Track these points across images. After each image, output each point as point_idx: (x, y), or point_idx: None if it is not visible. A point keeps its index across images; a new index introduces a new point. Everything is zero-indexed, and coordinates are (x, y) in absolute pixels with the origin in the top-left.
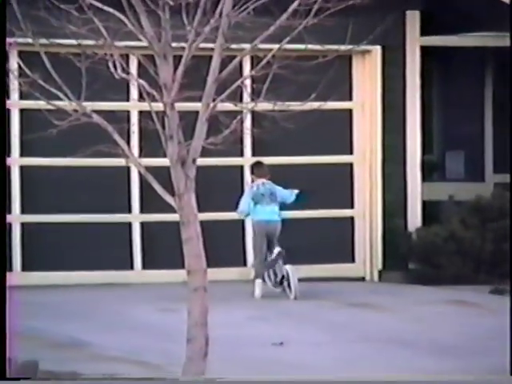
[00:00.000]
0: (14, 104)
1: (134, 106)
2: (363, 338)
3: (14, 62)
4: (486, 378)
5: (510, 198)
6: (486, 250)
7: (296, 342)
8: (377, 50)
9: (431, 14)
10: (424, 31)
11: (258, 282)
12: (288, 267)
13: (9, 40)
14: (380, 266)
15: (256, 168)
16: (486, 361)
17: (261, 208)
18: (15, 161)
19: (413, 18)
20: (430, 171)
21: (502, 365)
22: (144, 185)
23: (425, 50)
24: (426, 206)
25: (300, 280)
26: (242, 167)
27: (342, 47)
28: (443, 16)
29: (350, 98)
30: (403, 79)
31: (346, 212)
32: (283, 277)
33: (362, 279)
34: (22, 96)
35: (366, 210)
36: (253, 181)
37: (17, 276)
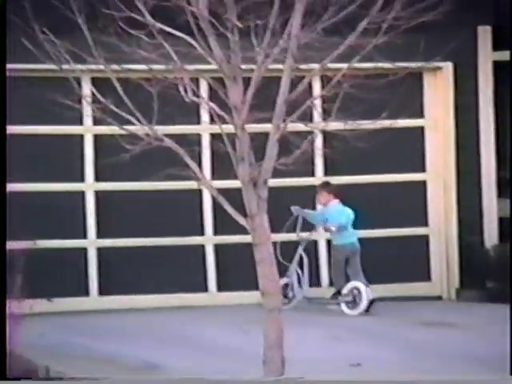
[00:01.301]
0: (88, 130)
1: (204, 129)
2: (439, 357)
3: (86, 89)
4: (486, 378)
5: (510, 202)
6: None
7: (373, 361)
8: (448, 66)
9: (503, 29)
10: (496, 46)
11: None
12: (359, 283)
13: (81, 67)
14: (457, 284)
15: (329, 188)
16: None
17: (346, 230)
18: (90, 186)
19: (484, 34)
20: (505, 187)
21: None
22: (216, 207)
23: (497, 66)
24: (502, 222)
25: (376, 299)
26: (313, 187)
27: (413, 64)
28: None
29: (422, 116)
30: (476, 95)
31: (420, 230)
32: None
33: (439, 298)
34: (95, 122)
35: (441, 228)
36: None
37: (94, 300)
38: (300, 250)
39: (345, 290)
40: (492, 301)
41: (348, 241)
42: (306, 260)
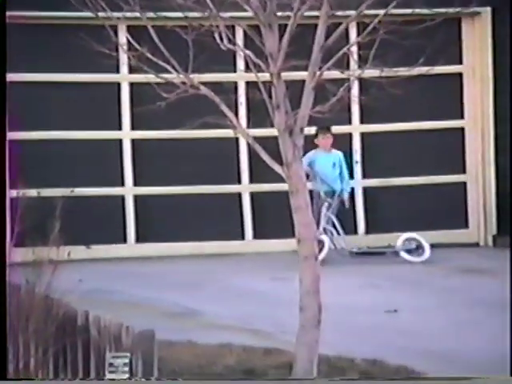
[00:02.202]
0: (124, 78)
1: (240, 77)
2: (475, 304)
3: (122, 37)
4: (486, 378)
5: (510, 195)
6: None
7: (409, 308)
8: (487, 11)
9: None
10: None
11: None
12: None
13: (117, 14)
14: (494, 231)
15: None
16: None
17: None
18: (126, 134)
19: None
20: None
21: None
22: (252, 155)
23: None
24: None
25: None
26: (350, 135)
27: (451, 10)
28: None
29: (460, 62)
30: None
31: (458, 177)
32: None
33: (477, 245)
34: (131, 70)
35: (479, 175)
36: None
37: (131, 248)
38: (325, 211)
39: (402, 240)
40: None
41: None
42: (334, 220)
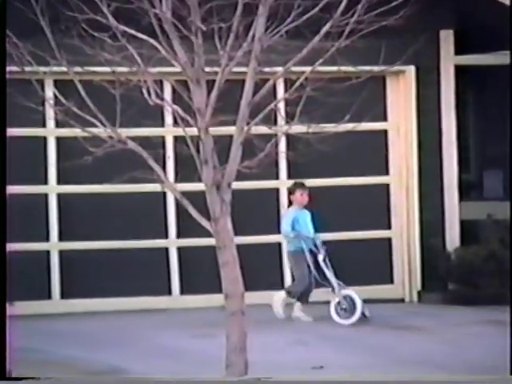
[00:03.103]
0: (50, 132)
1: (168, 132)
2: (402, 361)
3: (49, 91)
4: (486, 378)
5: (510, 206)
6: None
7: (336, 365)
8: (411, 70)
9: (465, 33)
10: (458, 50)
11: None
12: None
13: (44, 69)
14: (419, 287)
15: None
16: None
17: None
18: (52, 188)
19: (446, 38)
20: (467, 190)
21: None
22: (180, 210)
23: (459, 70)
24: (464, 225)
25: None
26: (277, 190)
27: (376, 68)
28: (477, 35)
29: (385, 119)
30: (438, 99)
31: (383, 233)
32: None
33: (402, 301)
34: (58, 124)
35: (404, 231)
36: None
37: (56, 304)
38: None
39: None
40: (453, 303)
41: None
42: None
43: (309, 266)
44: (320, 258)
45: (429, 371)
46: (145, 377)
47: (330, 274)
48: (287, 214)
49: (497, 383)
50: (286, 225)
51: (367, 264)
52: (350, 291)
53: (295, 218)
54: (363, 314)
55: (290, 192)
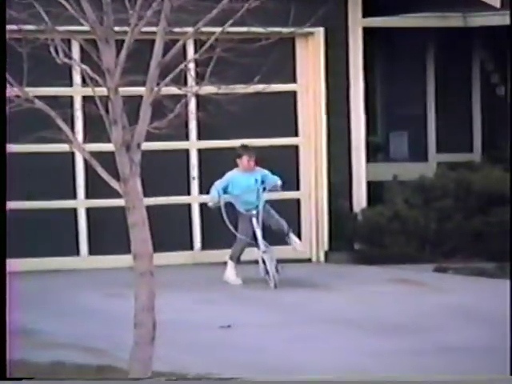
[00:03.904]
0: None
1: (77, 92)
2: (310, 319)
3: None
4: (486, 378)
5: (510, 191)
6: (430, 229)
7: (244, 324)
8: (319, 32)
9: None
10: (366, 13)
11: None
12: (265, 255)
13: None
14: (326, 247)
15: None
16: (429, 338)
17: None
18: None
19: (354, 0)
20: (374, 152)
21: (445, 342)
22: (89, 170)
23: (367, 32)
24: (370, 186)
25: (246, 262)
26: (187, 151)
27: (285, 29)
28: None
29: (295, 81)
30: (346, 61)
31: (291, 194)
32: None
33: (309, 260)
34: None
35: (312, 192)
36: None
37: None
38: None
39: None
40: (359, 262)
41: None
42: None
43: (251, 228)
44: (253, 220)
45: (340, 328)
46: (144, 377)
47: (259, 234)
48: (224, 177)
49: (497, 383)
50: (213, 188)
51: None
52: (267, 254)
53: (231, 181)
54: (276, 270)
55: (237, 155)
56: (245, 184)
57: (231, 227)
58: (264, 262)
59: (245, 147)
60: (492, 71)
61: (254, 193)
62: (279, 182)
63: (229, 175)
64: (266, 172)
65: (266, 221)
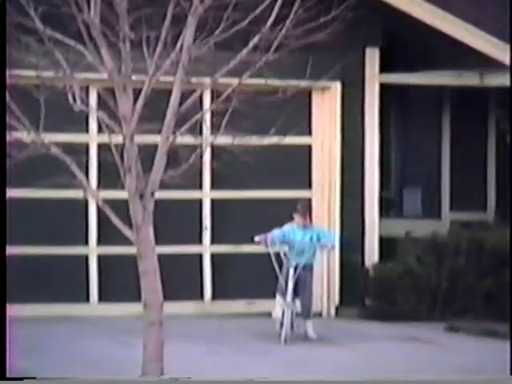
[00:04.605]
0: None
1: (92, 138)
2: (316, 375)
3: None
4: (486, 378)
5: (510, 223)
6: (441, 287)
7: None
8: (336, 86)
9: (390, 52)
10: (383, 68)
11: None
12: (287, 308)
13: None
14: (337, 302)
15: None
16: None
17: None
18: None
19: (372, 55)
20: (387, 208)
21: None
22: (102, 217)
23: (384, 88)
24: (383, 242)
25: (255, 314)
26: (200, 201)
27: (302, 83)
28: (402, 53)
29: (310, 134)
30: (362, 116)
31: None
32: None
33: (319, 315)
34: None
35: None
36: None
37: None
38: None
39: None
40: (370, 318)
41: None
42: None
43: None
44: (291, 270)
45: None
46: (145, 377)
47: (290, 285)
48: (282, 228)
49: (497, 383)
50: (273, 233)
51: None
52: (289, 308)
53: (286, 232)
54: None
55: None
56: (299, 240)
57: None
58: (283, 314)
59: (297, 209)
60: (507, 131)
61: (306, 249)
62: (330, 245)
63: (287, 227)
64: (324, 231)
65: (300, 283)
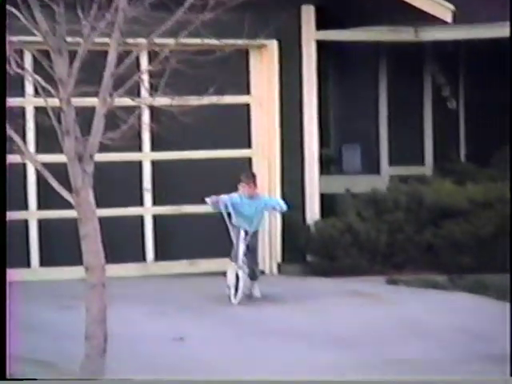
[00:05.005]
0: None
1: (29, 102)
2: (261, 333)
3: None
4: (485, 379)
5: (511, 199)
6: (381, 242)
7: (196, 337)
8: (273, 44)
9: (326, 9)
10: (319, 26)
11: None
12: (240, 271)
13: None
14: (279, 259)
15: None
16: (381, 350)
17: None
18: None
19: (308, 13)
20: (327, 165)
21: (398, 354)
22: (41, 181)
23: (321, 45)
24: (323, 199)
25: (199, 274)
26: (140, 162)
27: (239, 41)
28: (338, 10)
29: (248, 93)
30: (300, 73)
31: None
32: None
33: (262, 273)
34: None
35: None
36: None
37: None
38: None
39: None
40: (312, 274)
41: None
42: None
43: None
44: (242, 233)
45: (286, 341)
46: (145, 378)
47: (241, 249)
48: (230, 195)
49: (497, 383)
50: (222, 198)
51: (229, 237)
52: (242, 272)
53: (234, 201)
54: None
55: (239, 182)
56: (247, 209)
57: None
58: (237, 277)
59: (242, 176)
60: (443, 85)
61: (254, 218)
62: (278, 207)
63: (234, 195)
64: (272, 199)
65: (248, 246)
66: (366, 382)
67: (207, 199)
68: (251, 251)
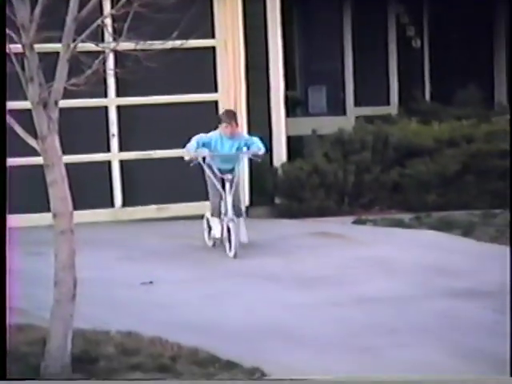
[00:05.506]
0: None
1: None
2: (230, 274)
3: None
4: (486, 378)
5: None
6: (348, 182)
7: (165, 280)
8: None
9: None
10: None
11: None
12: (231, 223)
13: None
14: (247, 202)
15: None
16: (351, 290)
17: None
18: None
19: None
20: (293, 106)
21: (366, 292)
22: (7, 128)
23: None
24: (290, 141)
25: (165, 219)
26: (106, 108)
27: None
28: None
29: (213, 36)
30: (264, 15)
31: None
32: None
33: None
34: None
35: None
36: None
37: None
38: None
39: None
40: (280, 217)
41: None
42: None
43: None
44: (227, 185)
45: (256, 282)
46: (146, 378)
47: (229, 201)
48: (207, 134)
49: (497, 383)
50: (193, 140)
51: (194, 181)
52: (233, 223)
53: (205, 141)
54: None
55: (218, 122)
56: (228, 150)
57: (216, 182)
58: (229, 230)
59: (222, 115)
60: (407, 24)
61: (235, 158)
62: (261, 152)
63: (213, 135)
64: (253, 139)
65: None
66: (366, 381)
67: (186, 157)
68: (234, 188)
